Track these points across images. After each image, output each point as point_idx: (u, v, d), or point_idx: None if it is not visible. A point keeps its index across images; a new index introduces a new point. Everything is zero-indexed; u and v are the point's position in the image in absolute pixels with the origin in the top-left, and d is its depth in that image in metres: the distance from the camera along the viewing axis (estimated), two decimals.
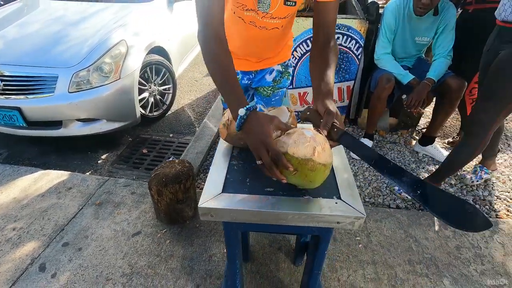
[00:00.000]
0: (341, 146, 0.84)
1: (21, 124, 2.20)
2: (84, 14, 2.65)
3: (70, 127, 2.26)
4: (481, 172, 1.93)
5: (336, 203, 0.75)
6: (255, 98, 1.45)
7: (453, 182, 2.00)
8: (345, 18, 2.13)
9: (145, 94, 2.65)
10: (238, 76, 1.31)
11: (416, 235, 1.60)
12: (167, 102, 2.94)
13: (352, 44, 2.20)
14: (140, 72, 2.47)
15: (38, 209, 1.76)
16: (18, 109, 2.11)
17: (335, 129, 0.77)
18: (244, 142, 0.93)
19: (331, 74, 0.89)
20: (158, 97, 2.80)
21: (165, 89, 2.88)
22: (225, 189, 0.79)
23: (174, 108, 3.06)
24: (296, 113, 2.59)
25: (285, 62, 1.33)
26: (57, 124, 2.25)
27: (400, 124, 2.55)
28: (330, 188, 0.80)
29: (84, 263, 1.45)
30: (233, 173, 0.86)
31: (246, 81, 1.38)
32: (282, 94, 1.44)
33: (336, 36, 2.18)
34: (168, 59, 2.90)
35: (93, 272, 1.41)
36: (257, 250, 1.52)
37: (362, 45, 2.20)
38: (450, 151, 2.25)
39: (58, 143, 2.49)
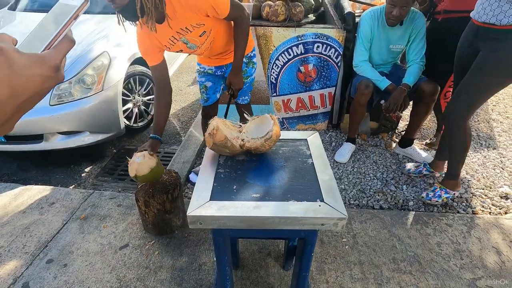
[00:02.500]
0: (322, 150, 0.96)
1: None
2: None
3: (52, 140, 2.21)
4: (440, 192, 1.85)
5: (319, 205, 0.79)
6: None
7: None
8: (324, 28, 2.22)
9: (129, 105, 2.64)
10: (212, 70, 1.74)
11: (399, 234, 1.66)
12: (152, 112, 2.93)
13: (331, 52, 2.29)
14: (124, 83, 2.46)
15: (20, 226, 1.70)
16: None
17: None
18: (229, 151, 0.95)
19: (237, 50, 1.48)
20: (142, 107, 2.79)
21: (149, 99, 2.87)
22: (213, 197, 0.82)
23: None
24: (281, 119, 2.65)
25: (248, 54, 1.66)
26: (38, 138, 2.20)
27: (380, 127, 2.65)
28: (313, 192, 0.84)
29: (70, 279, 1.42)
30: (220, 180, 0.89)
31: (220, 73, 1.75)
32: (251, 82, 1.79)
33: (316, 44, 2.26)
34: None
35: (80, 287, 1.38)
36: (246, 256, 1.53)
37: (341, 53, 2.29)
38: (428, 152, 2.37)
39: (39, 157, 2.43)
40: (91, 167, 2.40)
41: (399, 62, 2.31)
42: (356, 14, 2.21)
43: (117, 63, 2.40)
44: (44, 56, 0.34)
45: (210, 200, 0.80)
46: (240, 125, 1.05)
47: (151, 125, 2.93)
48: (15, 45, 0.34)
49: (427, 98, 2.01)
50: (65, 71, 2.20)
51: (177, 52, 1.50)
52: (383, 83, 2.06)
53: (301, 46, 2.28)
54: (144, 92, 2.78)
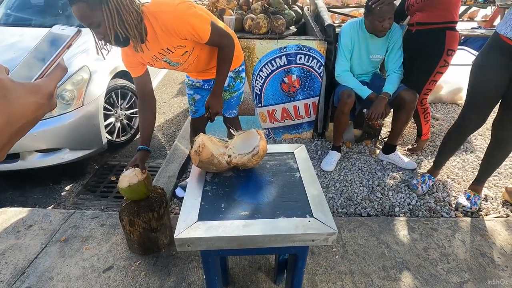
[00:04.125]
0: (309, 163, 0.96)
1: None
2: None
3: (29, 159, 2.12)
4: (429, 181, 2.06)
5: (309, 221, 0.78)
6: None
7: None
8: (306, 39, 2.27)
9: (112, 119, 2.57)
10: (200, 83, 1.74)
11: (388, 240, 1.68)
12: (135, 126, 2.87)
13: (314, 63, 2.33)
14: (105, 97, 2.40)
15: None
16: None
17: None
18: (216, 168, 0.94)
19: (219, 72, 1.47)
20: (125, 121, 2.73)
21: (132, 113, 2.82)
22: (200, 217, 0.80)
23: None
24: (266, 130, 2.66)
25: (235, 69, 1.66)
26: (14, 156, 2.10)
27: (364, 135, 2.71)
28: (302, 207, 0.84)
29: None
30: (208, 199, 0.87)
31: (207, 87, 1.74)
32: (239, 96, 1.78)
33: (299, 56, 2.30)
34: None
35: None
36: (236, 272, 1.50)
37: (323, 64, 2.34)
38: (410, 157, 2.44)
39: (14, 177, 2.31)
40: (71, 185, 2.31)
41: (378, 71, 2.39)
42: (335, 25, 2.27)
43: (98, 77, 2.34)
44: (38, 85, 0.35)
45: (198, 220, 0.78)
46: (226, 141, 1.04)
47: (135, 138, 2.87)
48: (8, 74, 0.35)
49: (407, 105, 2.08)
50: None
51: (161, 68, 1.49)
52: (365, 92, 2.12)
53: (284, 58, 2.31)
54: (126, 106, 2.73)
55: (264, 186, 0.92)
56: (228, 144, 1.02)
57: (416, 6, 2.02)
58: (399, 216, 1.91)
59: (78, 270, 1.51)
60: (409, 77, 2.20)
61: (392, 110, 2.25)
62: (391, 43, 2.09)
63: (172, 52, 1.36)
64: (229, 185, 0.92)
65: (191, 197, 0.87)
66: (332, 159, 2.34)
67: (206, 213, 0.81)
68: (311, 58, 2.31)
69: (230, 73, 1.65)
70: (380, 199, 2.05)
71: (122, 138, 2.72)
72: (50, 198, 2.17)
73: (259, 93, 2.47)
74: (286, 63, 2.33)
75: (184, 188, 2.09)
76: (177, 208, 2.01)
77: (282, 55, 2.30)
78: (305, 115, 2.59)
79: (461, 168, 2.35)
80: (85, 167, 2.48)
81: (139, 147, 1.49)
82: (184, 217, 0.79)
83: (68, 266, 1.52)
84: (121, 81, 2.62)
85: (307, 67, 2.35)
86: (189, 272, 1.50)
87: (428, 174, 2.10)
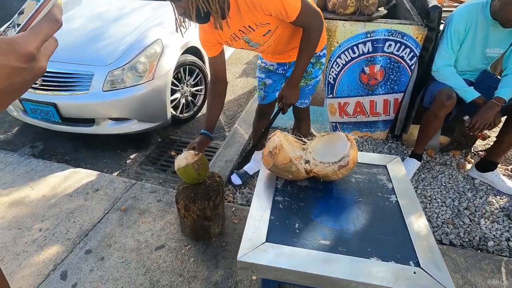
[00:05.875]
0: (409, 184, 0.81)
1: (56, 120, 2.21)
2: (125, 10, 2.63)
3: (102, 125, 2.24)
4: None
5: (414, 272, 0.58)
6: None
7: None
8: (400, 23, 1.90)
9: (177, 95, 2.58)
10: (273, 67, 1.59)
11: (477, 283, 1.36)
12: (198, 104, 2.86)
13: (405, 53, 1.96)
14: (174, 72, 2.40)
15: (65, 210, 1.73)
16: (54, 105, 2.12)
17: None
18: (293, 176, 0.77)
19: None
20: (189, 98, 2.73)
21: (197, 90, 2.80)
22: (269, 237, 0.65)
23: (204, 110, 2.98)
24: (334, 124, 2.40)
25: (316, 54, 1.47)
26: (90, 121, 2.25)
27: (452, 143, 2.27)
28: (403, 248, 0.63)
29: (105, 275, 1.38)
30: (278, 213, 0.71)
31: (281, 71, 1.60)
32: (314, 85, 1.58)
33: (388, 43, 1.96)
34: (202, 60, 2.81)
35: (113, 287, 1.34)
36: None
37: (417, 54, 1.95)
38: None
39: (90, 140, 2.50)
40: (135, 154, 2.41)
41: (489, 69, 1.92)
42: (444, 8, 1.85)
43: (169, 51, 2.33)
44: (13, 42, 0.23)
45: (267, 241, 0.64)
46: (305, 142, 0.86)
47: (197, 116, 2.87)
48: None
49: None
50: (119, 57, 2.22)
51: (239, 48, 1.36)
52: (470, 94, 1.71)
53: (369, 44, 1.99)
54: (192, 83, 2.71)
55: (349, 208, 0.73)
56: (306, 146, 0.84)
57: None
58: (493, 253, 1.54)
59: (133, 243, 1.54)
60: None
61: (503, 119, 1.80)
62: None
63: (254, 31, 1.22)
64: (304, 198, 0.76)
65: (259, 208, 0.72)
66: (409, 168, 2.00)
67: (276, 233, 0.66)
68: (403, 46, 1.94)
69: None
70: (468, 227, 1.69)
71: (185, 115, 2.73)
72: (117, 164, 2.29)
73: (333, 82, 2.21)
74: (370, 50, 2.01)
75: (240, 175, 2.00)
76: (231, 195, 1.94)
77: (368, 41, 1.98)
78: (382, 113, 2.26)
79: None
80: (149, 139, 2.57)
81: (202, 131, 1.41)
82: (250, 234, 0.65)
83: (125, 237, 1.57)
84: (190, 57, 2.59)
85: (396, 57, 1.99)
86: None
87: None
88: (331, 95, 2.27)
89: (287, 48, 1.41)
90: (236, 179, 1.98)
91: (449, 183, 1.99)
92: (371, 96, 2.20)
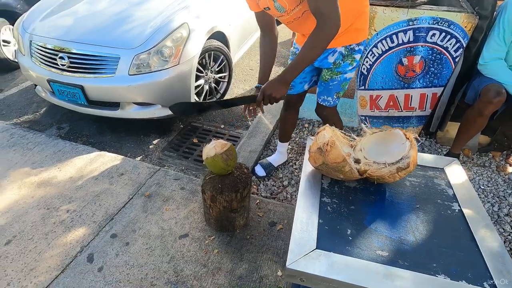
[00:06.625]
0: (473, 191, 0.75)
1: (82, 102, 2.22)
2: None
3: (127, 109, 2.23)
4: None
5: None
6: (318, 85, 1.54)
7: None
8: (448, 11, 1.74)
9: (201, 81, 2.53)
10: None
11: None
12: (221, 91, 2.80)
13: (450, 44, 1.81)
14: (199, 58, 2.34)
15: (92, 192, 1.74)
16: (81, 87, 2.12)
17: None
18: (344, 177, 0.70)
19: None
20: (213, 85, 2.67)
21: (220, 77, 2.74)
22: (320, 243, 0.59)
23: (227, 97, 2.92)
24: (363, 117, 2.28)
25: (350, 45, 1.35)
26: (115, 105, 2.24)
27: (492, 144, 2.11)
28: (473, 264, 0.56)
29: (130, 260, 1.39)
30: (327, 216, 0.65)
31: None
32: (341, 82, 1.44)
33: (432, 32, 1.80)
34: (227, 46, 2.73)
35: (139, 273, 1.33)
36: None
37: (464, 46, 1.79)
38: None
39: (114, 123, 2.50)
40: (158, 140, 2.40)
41: None
42: None
43: (195, 36, 2.27)
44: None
45: (317, 248, 0.58)
46: (354, 139, 0.78)
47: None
48: None
49: None
50: (146, 41, 2.16)
51: (264, 9, 1.27)
52: None
53: (410, 33, 1.84)
54: (217, 69, 2.65)
55: (406, 215, 0.66)
56: (355, 143, 0.77)
57: None
58: None
59: (157, 230, 1.53)
60: None
61: None
62: None
63: None
64: (354, 201, 0.69)
65: (306, 209, 0.66)
66: None
67: (327, 239, 0.60)
68: (448, 36, 1.79)
69: (342, 49, 1.35)
70: (509, 234, 1.57)
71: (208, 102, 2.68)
72: (140, 149, 2.29)
73: (366, 73, 2.08)
74: (411, 39, 1.86)
75: (264, 167, 1.94)
76: (254, 186, 1.89)
77: (409, 29, 1.83)
78: (417, 108, 2.12)
79: None
80: (171, 125, 2.55)
81: (257, 85, 1.40)
82: (299, 238, 0.59)
83: (149, 223, 1.56)
84: (216, 43, 2.52)
85: (439, 47, 1.84)
86: (263, 263, 1.37)
87: None
88: (362, 87, 2.15)
89: None
90: (260, 171, 1.93)
91: (488, 187, 1.86)
92: (406, 90, 2.06)
